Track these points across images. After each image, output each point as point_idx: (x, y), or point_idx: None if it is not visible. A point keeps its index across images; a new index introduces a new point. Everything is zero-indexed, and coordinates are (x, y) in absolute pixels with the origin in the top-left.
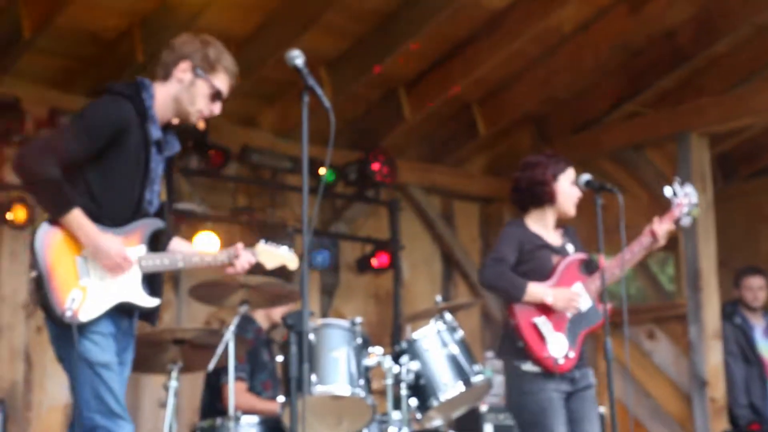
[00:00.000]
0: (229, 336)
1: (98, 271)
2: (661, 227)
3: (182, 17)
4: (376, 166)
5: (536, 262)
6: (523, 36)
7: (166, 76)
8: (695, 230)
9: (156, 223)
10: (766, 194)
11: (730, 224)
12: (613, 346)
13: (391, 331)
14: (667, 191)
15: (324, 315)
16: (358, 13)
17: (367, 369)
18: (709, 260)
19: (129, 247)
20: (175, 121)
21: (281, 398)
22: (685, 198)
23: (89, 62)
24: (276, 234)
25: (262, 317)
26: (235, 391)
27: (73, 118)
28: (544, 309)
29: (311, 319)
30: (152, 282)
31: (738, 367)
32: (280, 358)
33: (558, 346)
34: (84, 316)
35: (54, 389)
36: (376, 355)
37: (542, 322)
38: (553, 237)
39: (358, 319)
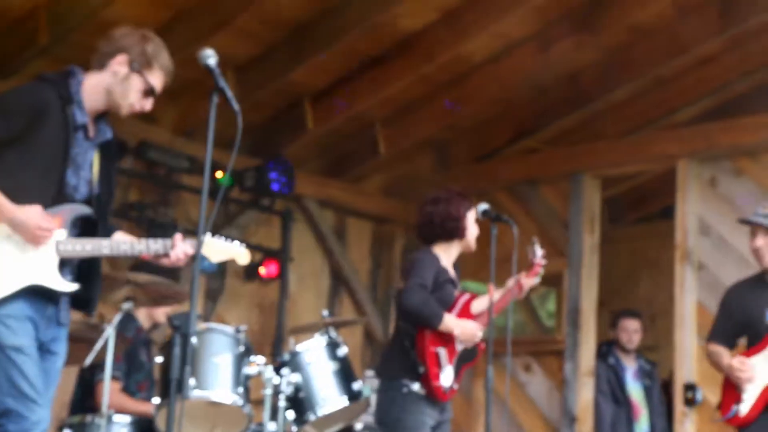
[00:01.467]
0: (109, 332)
1: (13, 249)
2: (527, 282)
3: (91, 4)
4: (273, 175)
5: (442, 293)
6: (433, 61)
7: (101, 66)
8: (580, 269)
9: (80, 209)
10: (650, 240)
11: (613, 267)
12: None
13: (272, 341)
14: (532, 252)
15: (206, 320)
16: (273, 20)
17: (247, 377)
18: (590, 300)
19: None
20: (103, 108)
21: (156, 400)
22: (542, 258)
23: None
24: (165, 233)
25: (143, 316)
26: (111, 391)
27: None
28: (444, 340)
29: (197, 322)
30: (85, 267)
31: (607, 406)
32: (159, 359)
33: (448, 377)
34: None
35: None
36: (257, 364)
37: (442, 352)
38: (451, 271)
39: (243, 327)
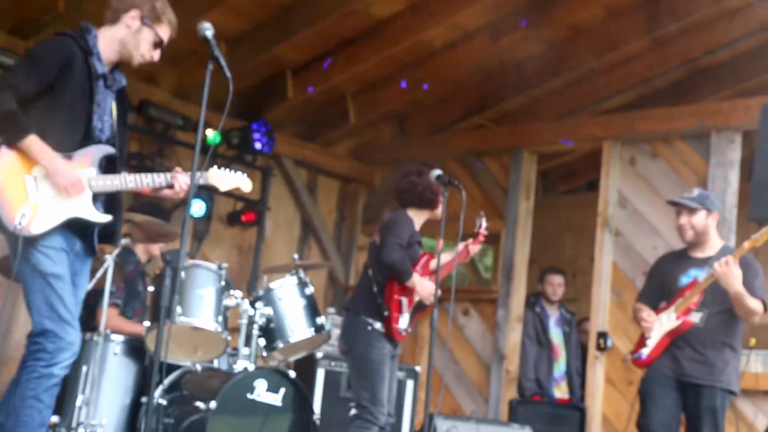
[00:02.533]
0: (110, 262)
1: (50, 189)
2: (473, 248)
3: None
4: (256, 136)
5: (411, 252)
6: (399, 45)
7: (114, 20)
8: (515, 230)
9: (106, 149)
10: (575, 209)
11: (543, 230)
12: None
13: (248, 279)
14: (478, 223)
15: (193, 257)
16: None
17: (227, 308)
18: (522, 256)
19: (80, 169)
20: (117, 58)
21: (147, 323)
22: (484, 229)
23: (12, 4)
24: None
25: (141, 251)
26: (108, 314)
27: (22, 56)
28: (407, 292)
29: (186, 259)
30: (110, 202)
31: (531, 347)
32: (151, 288)
33: (405, 321)
34: (35, 229)
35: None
36: (235, 297)
37: (404, 300)
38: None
39: (225, 265)
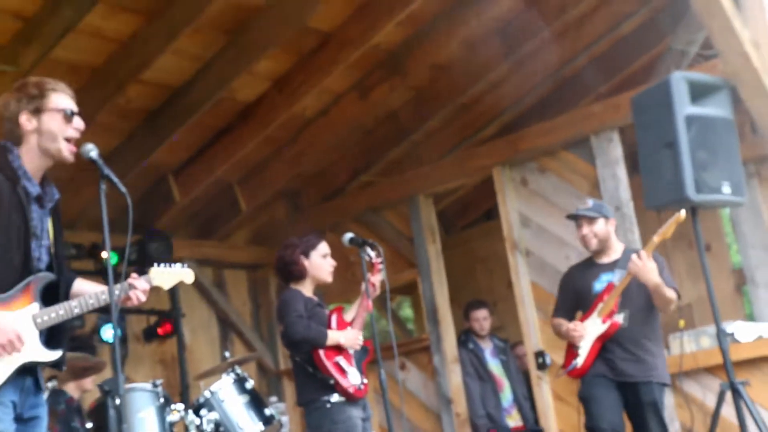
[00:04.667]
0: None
1: None
2: (376, 278)
3: None
4: (152, 246)
5: (316, 316)
6: (272, 123)
7: (20, 139)
8: (430, 275)
9: (46, 277)
10: (477, 241)
11: (454, 268)
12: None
13: (179, 390)
14: (368, 255)
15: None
16: (125, 111)
17: (172, 424)
18: (443, 298)
19: (22, 308)
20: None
21: None
22: (378, 258)
23: None
24: None
25: (72, 388)
26: None
27: None
28: (337, 350)
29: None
30: (55, 335)
31: (474, 384)
32: (89, 425)
33: (355, 376)
34: None
35: None
36: (178, 411)
37: (341, 360)
38: (315, 298)
39: (159, 381)
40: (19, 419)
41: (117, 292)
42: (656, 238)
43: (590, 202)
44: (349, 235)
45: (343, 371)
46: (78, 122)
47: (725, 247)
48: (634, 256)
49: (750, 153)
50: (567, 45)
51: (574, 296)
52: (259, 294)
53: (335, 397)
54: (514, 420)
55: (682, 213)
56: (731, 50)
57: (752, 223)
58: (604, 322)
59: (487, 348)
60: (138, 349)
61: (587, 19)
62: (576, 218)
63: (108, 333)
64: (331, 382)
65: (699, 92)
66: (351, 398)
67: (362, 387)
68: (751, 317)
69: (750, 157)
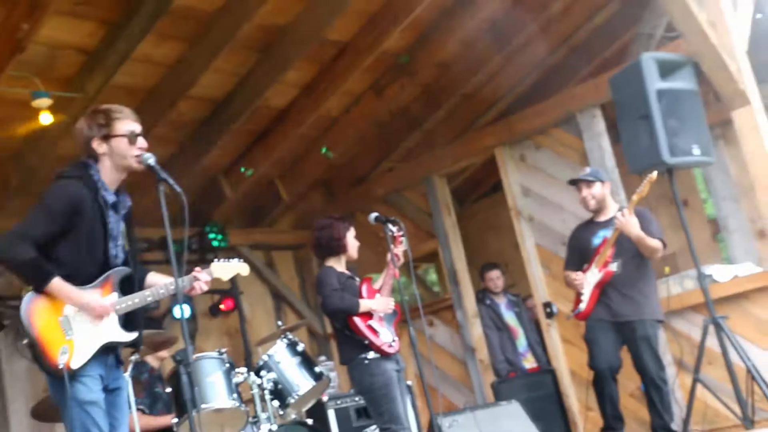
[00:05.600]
0: (127, 379)
1: (81, 324)
2: (399, 249)
3: (44, 147)
4: (211, 236)
5: (349, 288)
6: (303, 124)
7: (96, 158)
8: (448, 244)
9: (123, 271)
10: (487, 212)
11: (470, 237)
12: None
13: (243, 356)
14: (390, 231)
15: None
16: (177, 124)
17: (237, 385)
18: (461, 262)
19: (104, 296)
20: (123, 175)
21: (174, 420)
22: (400, 232)
23: None
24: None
25: (151, 360)
26: (139, 418)
27: (35, 205)
28: (370, 316)
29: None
30: (131, 319)
31: (493, 335)
32: (169, 389)
33: (387, 335)
34: (75, 364)
35: None
36: (241, 373)
37: (373, 323)
38: (347, 272)
39: (224, 349)
40: (105, 390)
41: (184, 283)
42: (635, 198)
43: (588, 169)
44: (374, 215)
45: (375, 332)
46: (141, 142)
47: (700, 201)
48: (618, 214)
49: (715, 118)
50: (550, 37)
51: (578, 252)
52: (304, 270)
53: (371, 355)
54: (529, 362)
55: (654, 174)
56: (691, 31)
57: (722, 178)
58: (600, 271)
59: (502, 303)
60: (206, 324)
61: (566, 13)
62: (576, 183)
63: (178, 312)
64: (366, 342)
65: (667, 69)
66: (385, 354)
67: (393, 344)
68: (727, 260)
69: (715, 122)
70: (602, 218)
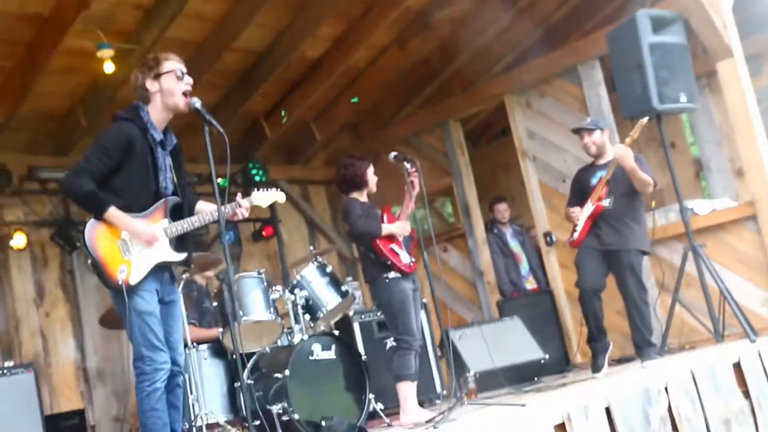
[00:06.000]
0: (179, 294)
1: (136, 246)
2: (414, 180)
3: (108, 92)
4: (254, 171)
5: (372, 215)
6: (334, 74)
7: (148, 99)
8: (461, 180)
9: (172, 200)
10: (498, 152)
11: (481, 174)
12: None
13: (281, 276)
14: (405, 170)
15: (236, 272)
16: (223, 73)
17: (274, 301)
18: (472, 197)
19: (155, 222)
20: (170, 115)
21: (220, 330)
22: (413, 168)
23: (49, 133)
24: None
25: (201, 279)
26: (190, 331)
27: (93, 144)
28: (390, 239)
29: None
30: (182, 242)
31: (499, 260)
32: (215, 304)
33: (406, 256)
34: (133, 280)
35: (63, 352)
36: (278, 291)
37: (394, 246)
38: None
39: (262, 270)
40: (161, 302)
41: (227, 210)
42: (628, 140)
43: (589, 119)
44: (392, 154)
45: (396, 254)
46: (188, 79)
47: (686, 144)
48: (617, 145)
49: (702, 69)
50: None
51: (579, 190)
52: (335, 202)
53: (392, 274)
54: (531, 284)
55: (645, 119)
56: None
57: (706, 123)
58: (593, 204)
59: (508, 232)
60: (250, 248)
61: None
62: (578, 131)
63: (227, 237)
64: (388, 263)
65: (659, 25)
66: (403, 273)
67: (411, 264)
68: (708, 196)
69: (702, 73)
70: (601, 162)
